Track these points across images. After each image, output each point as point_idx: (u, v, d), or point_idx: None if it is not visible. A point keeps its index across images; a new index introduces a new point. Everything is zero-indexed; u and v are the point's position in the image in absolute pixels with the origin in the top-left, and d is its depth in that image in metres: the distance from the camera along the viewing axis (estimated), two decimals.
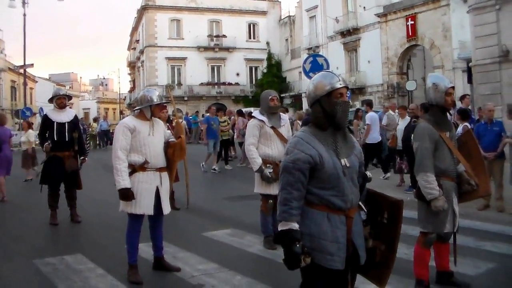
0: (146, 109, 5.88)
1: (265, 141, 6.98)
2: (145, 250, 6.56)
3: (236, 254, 6.99)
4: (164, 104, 6.66)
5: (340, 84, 3.33)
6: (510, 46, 16.03)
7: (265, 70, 53.33)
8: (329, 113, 3.31)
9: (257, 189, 7.10)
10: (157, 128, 5.96)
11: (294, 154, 3.23)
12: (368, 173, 3.59)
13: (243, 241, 7.64)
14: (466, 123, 9.74)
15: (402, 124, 12.15)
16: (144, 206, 5.76)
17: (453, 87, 5.26)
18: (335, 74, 3.41)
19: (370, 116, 14.40)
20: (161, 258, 6.22)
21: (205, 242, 7.68)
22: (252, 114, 7.42)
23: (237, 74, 52.47)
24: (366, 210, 3.50)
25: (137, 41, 59.60)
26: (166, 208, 6.02)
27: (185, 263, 6.43)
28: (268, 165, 6.84)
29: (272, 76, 52.11)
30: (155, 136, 5.88)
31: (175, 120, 8.46)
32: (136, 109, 6.03)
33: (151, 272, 6.14)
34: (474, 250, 6.93)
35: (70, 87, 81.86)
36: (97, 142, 33.24)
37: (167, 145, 6.06)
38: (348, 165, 3.31)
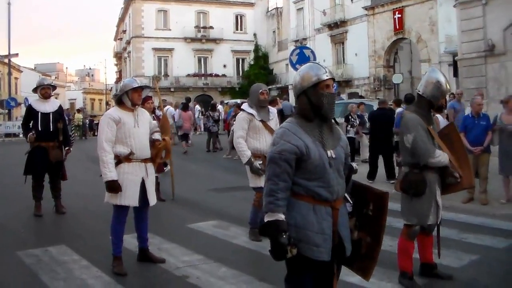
0: (124, 97, 5.84)
1: (254, 134, 6.96)
2: (130, 241, 6.53)
3: (221, 245, 6.98)
4: (148, 94, 6.64)
5: (327, 76, 3.33)
6: (496, 40, 16.12)
7: (252, 62, 53.28)
8: (315, 105, 3.31)
9: (252, 183, 7.04)
10: (142, 118, 5.92)
11: (280, 145, 3.22)
12: (354, 165, 3.59)
13: (228, 233, 7.63)
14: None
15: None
16: (129, 197, 5.72)
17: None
18: (322, 66, 3.41)
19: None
20: (146, 250, 6.20)
21: (190, 233, 7.66)
22: (241, 107, 7.39)
23: (224, 66, 52.38)
24: (351, 202, 3.50)
25: (124, 31, 59.17)
26: (152, 200, 6.00)
27: (170, 255, 6.41)
28: (257, 158, 6.82)
29: (259, 68, 52.08)
30: (140, 127, 5.84)
31: (164, 115, 8.44)
32: (114, 95, 6.01)
33: (135, 263, 6.11)
34: (457, 243, 6.98)
35: (56, 77, 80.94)
36: (83, 133, 33.21)
37: (152, 144, 6.03)
38: (334, 156, 3.31)
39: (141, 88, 5.93)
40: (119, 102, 5.93)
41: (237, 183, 11.35)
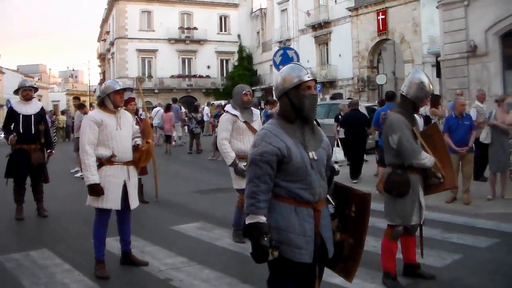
0: (106, 99, 5.79)
1: (238, 135, 6.94)
2: (113, 244, 6.48)
3: (204, 247, 6.95)
4: (131, 95, 6.61)
5: (308, 77, 3.31)
6: (478, 41, 16.26)
7: (236, 63, 53.21)
8: (296, 106, 3.29)
9: (235, 185, 7.01)
10: (124, 121, 5.88)
11: (261, 147, 3.20)
12: (336, 166, 3.59)
13: (212, 235, 7.60)
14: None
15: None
16: (111, 200, 5.68)
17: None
18: (303, 67, 3.39)
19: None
20: (128, 253, 6.16)
21: (173, 235, 7.63)
22: (225, 109, 7.37)
23: (208, 67, 52.27)
24: (334, 204, 3.49)
25: (108, 32, 58.86)
26: (134, 203, 5.95)
27: (153, 257, 6.38)
28: (241, 159, 6.80)
29: (243, 69, 52.02)
30: (122, 130, 5.80)
31: (146, 118, 8.37)
32: (98, 97, 5.97)
33: (118, 266, 6.07)
34: (440, 242, 7.03)
35: (38, 79, 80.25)
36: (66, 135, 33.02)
37: (135, 148, 5.98)
38: (316, 158, 3.29)
39: (123, 90, 5.88)
40: (101, 104, 5.88)
41: (221, 185, 11.32)
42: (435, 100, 12.68)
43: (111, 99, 5.77)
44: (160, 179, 10.23)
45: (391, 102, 11.63)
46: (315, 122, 3.45)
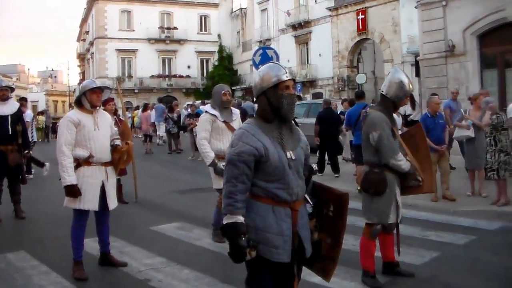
0: (83, 99, 5.74)
1: (217, 135, 6.91)
2: (92, 245, 6.43)
3: (184, 247, 6.93)
4: (110, 95, 6.56)
5: (287, 77, 3.31)
6: (456, 41, 16.42)
7: (216, 63, 53.14)
8: (274, 106, 3.29)
9: (215, 184, 6.98)
10: (102, 121, 5.82)
11: (239, 147, 3.19)
12: (314, 166, 3.59)
13: (191, 235, 7.58)
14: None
15: None
16: (88, 201, 5.63)
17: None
18: (282, 66, 3.39)
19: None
20: (107, 254, 6.11)
21: (153, 236, 7.59)
22: (204, 108, 7.35)
23: (188, 67, 52.19)
24: (312, 203, 3.50)
25: (87, 32, 58.41)
26: (112, 203, 5.90)
27: (132, 258, 6.34)
28: (220, 159, 6.77)
29: (223, 68, 51.96)
30: (100, 130, 5.74)
31: (125, 120, 8.32)
32: (75, 96, 5.91)
33: (97, 267, 6.02)
34: (419, 240, 7.10)
35: (17, 79, 79.36)
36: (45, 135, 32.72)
37: (114, 149, 5.92)
38: (293, 157, 3.29)
39: (100, 89, 5.83)
40: (79, 104, 5.82)
41: (201, 185, 11.30)
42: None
43: (87, 98, 5.71)
44: (140, 180, 10.25)
45: (361, 101, 11.74)
46: (293, 122, 3.45)
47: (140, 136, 25.45)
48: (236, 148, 3.20)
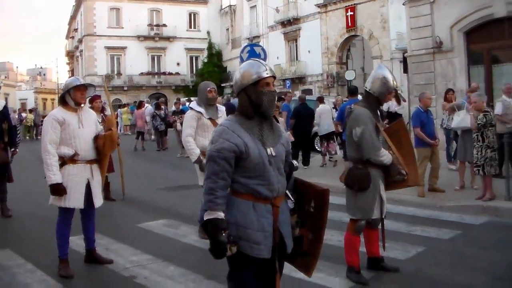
0: (67, 96, 5.72)
1: (203, 132, 6.91)
2: (77, 243, 6.42)
3: (170, 244, 6.93)
4: (96, 93, 6.54)
5: (267, 74, 3.31)
6: (443, 37, 16.46)
7: (205, 60, 53.09)
8: (255, 103, 3.29)
9: (201, 181, 6.96)
10: (87, 119, 5.80)
11: (219, 143, 3.20)
12: (295, 162, 3.61)
13: (177, 232, 7.59)
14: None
15: None
16: (74, 199, 5.62)
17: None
18: (263, 63, 3.39)
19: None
20: (93, 251, 6.11)
21: (139, 233, 7.58)
22: (190, 106, 7.35)
23: (178, 64, 52.11)
24: (293, 199, 3.51)
25: (76, 29, 58.13)
26: (98, 201, 5.90)
27: (118, 255, 6.34)
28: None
29: (212, 65, 51.90)
30: (85, 128, 5.72)
31: (110, 117, 8.29)
32: (60, 95, 5.88)
33: (83, 265, 6.02)
34: (405, 235, 7.15)
35: (5, 77, 78.81)
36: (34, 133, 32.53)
37: (97, 136, 5.89)
38: (274, 154, 3.31)
39: (84, 86, 5.81)
40: (63, 102, 5.80)
41: (188, 182, 11.28)
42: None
43: (71, 96, 5.69)
44: (127, 177, 10.25)
45: (353, 97, 11.84)
46: (273, 118, 3.46)
47: (130, 133, 25.45)
48: (216, 145, 3.21)
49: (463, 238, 7.04)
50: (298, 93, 32.41)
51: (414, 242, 6.80)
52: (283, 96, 16.63)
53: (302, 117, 14.02)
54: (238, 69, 3.43)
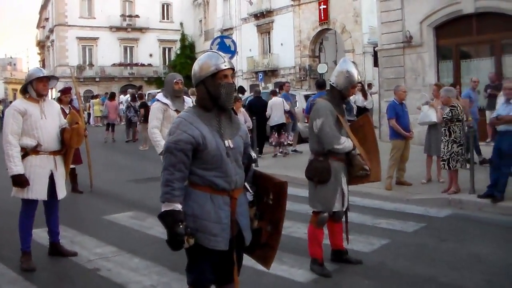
0: (29, 87, 5.65)
1: (169, 124, 6.83)
2: (41, 235, 6.38)
3: (136, 236, 6.92)
4: (67, 85, 6.44)
5: (225, 66, 3.31)
6: (413, 32, 16.62)
7: (178, 51, 52.67)
8: (213, 95, 3.29)
9: None
10: (49, 110, 5.73)
11: (176, 135, 3.19)
12: (253, 154, 3.61)
13: (144, 224, 7.56)
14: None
15: None
16: (36, 191, 5.56)
17: (360, 83, 5.43)
18: (221, 55, 3.39)
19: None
20: (57, 244, 6.06)
21: (105, 225, 7.55)
22: (156, 97, 7.30)
23: (150, 55, 51.66)
24: (252, 191, 3.52)
25: (47, 19, 57.13)
26: (61, 193, 5.85)
27: (83, 247, 6.31)
28: None
29: (185, 57, 51.40)
30: (47, 119, 5.65)
31: (71, 111, 8.13)
32: (22, 86, 5.80)
33: (46, 258, 5.97)
34: (370, 228, 7.22)
35: None
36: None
37: (64, 130, 5.82)
38: (232, 146, 3.31)
39: (47, 78, 5.74)
40: (25, 92, 5.73)
41: (156, 173, 11.06)
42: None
43: (34, 87, 5.62)
44: (96, 168, 10.17)
45: (321, 90, 11.99)
46: (232, 110, 3.46)
47: (101, 125, 25.17)
48: (173, 136, 3.20)
49: (427, 230, 7.15)
50: (270, 86, 32.59)
51: (379, 234, 6.88)
52: (282, 86, 17.33)
53: (256, 110, 14.71)
54: (197, 60, 3.42)
